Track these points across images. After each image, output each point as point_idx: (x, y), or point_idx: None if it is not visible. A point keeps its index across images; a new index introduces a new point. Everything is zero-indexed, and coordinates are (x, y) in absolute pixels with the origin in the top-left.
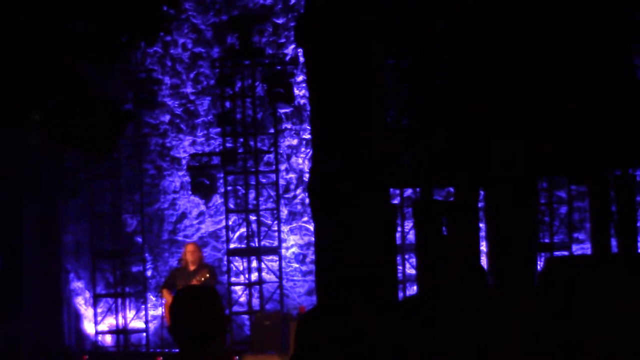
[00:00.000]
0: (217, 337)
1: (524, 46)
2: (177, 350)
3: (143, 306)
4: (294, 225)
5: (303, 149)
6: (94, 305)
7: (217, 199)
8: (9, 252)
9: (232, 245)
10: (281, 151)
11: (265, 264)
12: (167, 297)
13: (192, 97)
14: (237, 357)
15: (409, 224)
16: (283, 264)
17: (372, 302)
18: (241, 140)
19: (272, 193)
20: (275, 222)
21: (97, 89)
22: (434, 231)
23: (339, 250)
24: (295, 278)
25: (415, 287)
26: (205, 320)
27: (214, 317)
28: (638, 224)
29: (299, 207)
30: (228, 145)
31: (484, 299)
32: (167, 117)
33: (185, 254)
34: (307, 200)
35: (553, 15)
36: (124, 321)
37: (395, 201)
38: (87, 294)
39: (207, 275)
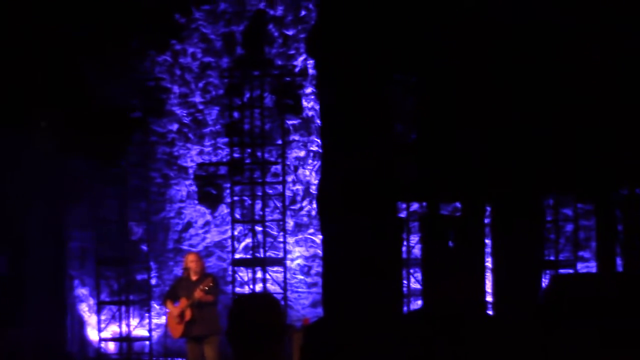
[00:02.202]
0: (275, 344)
1: (531, 61)
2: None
3: (147, 314)
4: (300, 236)
5: (310, 161)
6: (98, 312)
7: (224, 209)
8: (13, 257)
9: (237, 256)
10: (288, 162)
11: (270, 274)
12: (170, 308)
13: (200, 107)
14: None
15: (414, 238)
16: (288, 275)
17: (378, 314)
18: (249, 150)
19: (279, 204)
20: (281, 233)
21: (105, 96)
22: (440, 245)
23: (346, 261)
24: (299, 290)
25: (419, 302)
26: (264, 327)
27: (273, 324)
28: None
29: (305, 218)
30: (235, 155)
31: (484, 318)
32: (175, 126)
33: (186, 263)
34: (313, 212)
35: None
36: (127, 329)
37: (402, 215)
38: (91, 301)
39: (211, 283)
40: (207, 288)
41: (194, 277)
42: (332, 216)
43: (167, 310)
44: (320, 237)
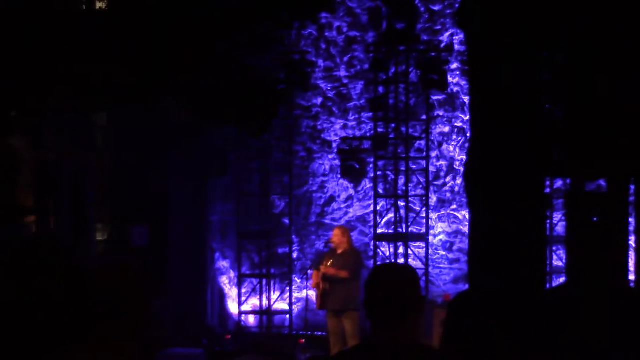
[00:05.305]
0: (413, 315)
1: None
2: (371, 326)
3: (288, 288)
4: (443, 212)
5: (454, 137)
6: (239, 285)
7: (367, 184)
8: (156, 228)
9: (379, 231)
10: (432, 138)
11: (412, 250)
12: (315, 279)
13: (345, 81)
14: None
15: (557, 216)
16: (430, 251)
17: (522, 289)
18: (393, 125)
19: (422, 180)
20: (424, 208)
21: (252, 68)
22: (585, 223)
23: (492, 238)
24: (441, 265)
25: (561, 279)
26: (402, 298)
27: (411, 295)
28: None
29: (448, 194)
30: (379, 130)
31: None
32: (319, 100)
33: (333, 238)
34: (456, 188)
35: None
36: (267, 302)
37: (546, 192)
38: (232, 274)
39: (332, 260)
40: (328, 264)
41: (339, 251)
42: (480, 191)
43: (311, 281)
44: (463, 213)
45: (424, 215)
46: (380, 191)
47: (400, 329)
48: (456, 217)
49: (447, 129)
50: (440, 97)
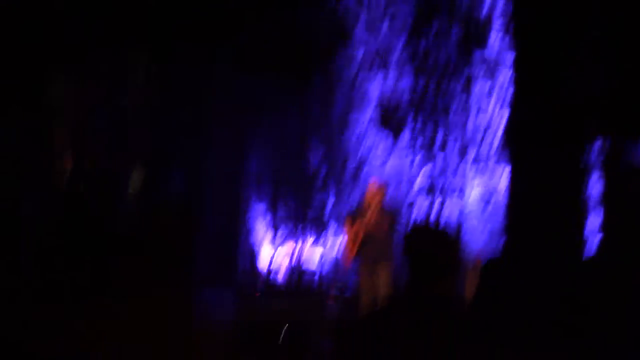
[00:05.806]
0: (450, 273)
1: None
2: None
3: (322, 241)
4: (481, 168)
5: (495, 94)
6: (273, 235)
7: (405, 138)
8: (193, 173)
9: (416, 185)
10: (473, 94)
11: (448, 205)
12: (347, 230)
13: (387, 34)
14: None
15: (593, 178)
16: (466, 206)
17: (559, 251)
18: (433, 80)
19: (461, 135)
20: (462, 164)
21: (294, 21)
22: (623, 185)
23: (533, 192)
24: (476, 222)
25: (596, 240)
26: (440, 256)
27: (449, 254)
28: None
29: (486, 150)
30: (420, 84)
31: None
32: (360, 53)
33: (368, 190)
34: (495, 144)
35: None
36: (300, 253)
37: (586, 154)
38: (266, 220)
39: (380, 213)
40: (376, 215)
41: (374, 204)
42: (522, 149)
43: (345, 232)
44: (501, 169)
45: (462, 170)
46: (419, 145)
47: (437, 286)
48: (494, 173)
49: (487, 86)
50: (482, 54)
